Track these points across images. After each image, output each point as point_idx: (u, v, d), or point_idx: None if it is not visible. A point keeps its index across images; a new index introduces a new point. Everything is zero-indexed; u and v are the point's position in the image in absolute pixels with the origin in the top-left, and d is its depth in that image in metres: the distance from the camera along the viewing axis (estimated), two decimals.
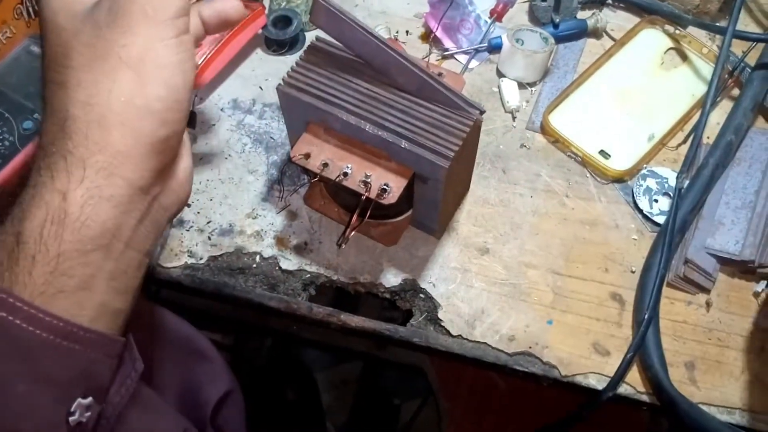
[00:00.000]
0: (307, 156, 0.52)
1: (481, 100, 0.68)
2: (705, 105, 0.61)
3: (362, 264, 0.59)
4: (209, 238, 0.61)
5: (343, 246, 0.53)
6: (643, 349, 0.53)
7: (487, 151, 0.65)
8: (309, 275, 0.59)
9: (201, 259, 0.60)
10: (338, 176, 0.50)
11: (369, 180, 0.50)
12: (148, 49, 0.36)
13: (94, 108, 0.35)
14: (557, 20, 0.70)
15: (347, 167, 0.51)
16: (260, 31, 0.70)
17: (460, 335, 0.56)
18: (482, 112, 0.50)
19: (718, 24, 0.69)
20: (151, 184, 0.37)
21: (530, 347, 0.55)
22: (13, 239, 0.33)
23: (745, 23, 0.74)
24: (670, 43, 0.71)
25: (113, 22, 0.36)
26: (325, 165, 0.51)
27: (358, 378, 1.21)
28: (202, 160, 0.65)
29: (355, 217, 0.50)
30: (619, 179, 0.62)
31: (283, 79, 0.52)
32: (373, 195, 0.50)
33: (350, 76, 0.51)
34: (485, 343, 0.55)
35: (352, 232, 0.50)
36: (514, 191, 0.63)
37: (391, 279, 0.58)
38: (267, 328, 1.19)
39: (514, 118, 0.67)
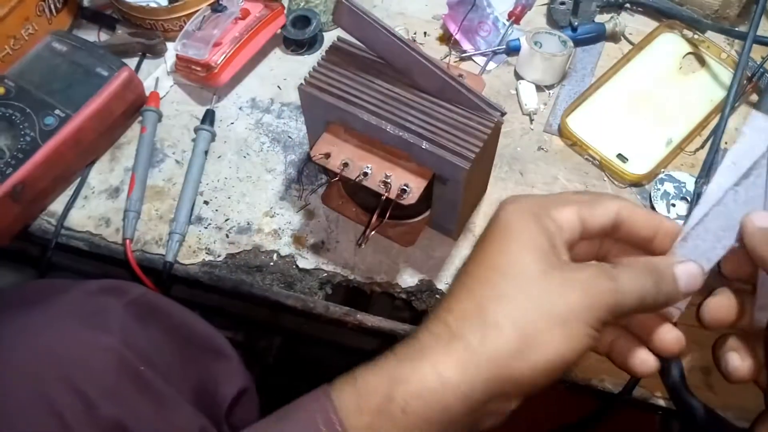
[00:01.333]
0: (328, 155, 0.52)
1: (499, 102, 0.68)
2: (724, 110, 0.61)
3: (379, 264, 0.59)
4: (227, 236, 0.61)
5: (363, 245, 0.54)
6: None
7: (505, 153, 0.65)
8: (326, 274, 0.59)
9: (219, 256, 0.60)
10: (358, 176, 0.51)
11: (389, 180, 0.50)
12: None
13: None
14: (575, 23, 0.70)
15: (367, 167, 0.51)
16: (279, 30, 0.70)
17: None
18: (503, 114, 0.50)
19: (737, 29, 0.69)
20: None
21: None
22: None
23: (765, 28, 0.73)
24: (688, 48, 0.71)
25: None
26: (345, 165, 0.51)
27: None
28: (220, 158, 0.65)
29: (375, 217, 0.51)
30: (637, 183, 0.62)
31: (304, 79, 0.52)
32: (393, 195, 0.50)
33: (371, 77, 0.52)
34: None
35: (372, 232, 0.50)
36: (532, 193, 0.63)
37: (408, 279, 0.58)
38: (277, 327, 1.19)
39: (531, 120, 0.67)
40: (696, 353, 0.55)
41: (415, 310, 0.59)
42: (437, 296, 0.58)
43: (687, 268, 0.37)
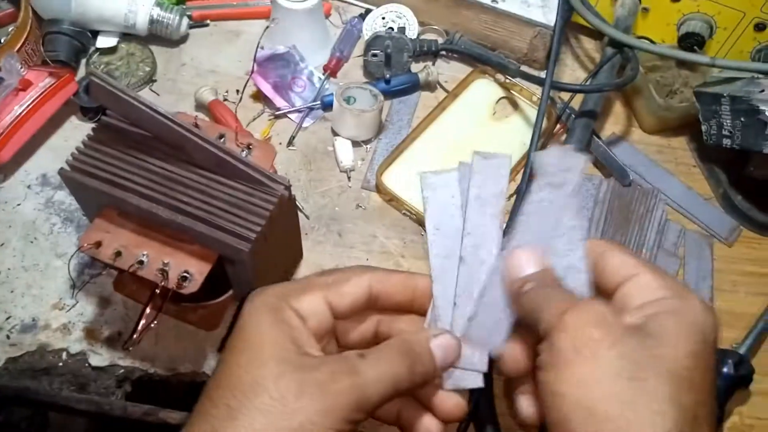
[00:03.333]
0: (99, 244, 0.47)
1: (317, 160, 0.66)
2: (528, 156, 0.62)
3: (183, 352, 0.54)
4: (8, 337, 0.54)
5: (131, 349, 0.49)
6: None
7: (323, 214, 0.63)
8: (123, 370, 0.53)
9: None
10: (132, 266, 0.46)
11: (167, 268, 0.46)
12: None
13: None
14: (388, 75, 0.69)
15: (143, 255, 0.46)
16: (73, 97, 0.65)
17: None
18: (288, 187, 0.47)
19: (541, 74, 0.71)
20: None
21: None
22: None
23: (573, 68, 0.76)
24: (501, 93, 0.71)
25: None
26: (118, 254, 0.46)
27: None
28: (3, 245, 0.58)
29: (146, 312, 0.46)
30: None
31: (67, 161, 0.47)
32: (171, 284, 0.45)
33: (144, 155, 0.47)
34: None
35: (144, 332, 0.46)
36: (350, 255, 0.61)
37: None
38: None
39: (349, 177, 0.65)
40: None
41: None
42: None
43: (442, 342, 0.35)
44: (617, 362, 0.29)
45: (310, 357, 0.33)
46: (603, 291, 0.34)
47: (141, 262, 0.46)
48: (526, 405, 0.35)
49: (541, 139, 0.67)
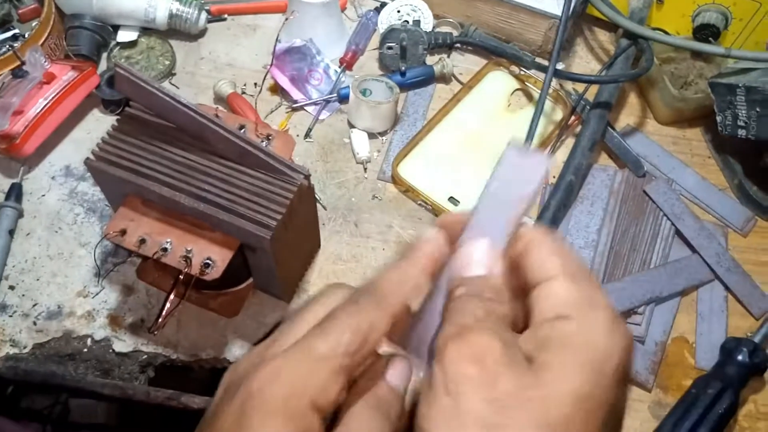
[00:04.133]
0: (123, 232, 0.48)
1: (333, 152, 0.67)
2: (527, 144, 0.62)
3: (204, 339, 0.55)
4: (35, 323, 0.55)
5: (156, 333, 0.50)
6: None
7: (339, 205, 0.63)
8: (146, 356, 0.54)
9: (25, 348, 0.54)
10: (156, 253, 0.47)
11: (190, 255, 0.47)
12: None
13: None
14: (404, 68, 0.69)
15: (167, 242, 0.47)
16: (94, 91, 0.66)
17: None
18: (307, 177, 0.48)
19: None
20: None
21: None
22: None
23: (587, 60, 0.76)
24: (516, 85, 0.72)
25: None
26: (143, 241, 0.47)
27: None
28: (29, 235, 0.60)
29: (170, 298, 0.47)
30: None
31: (92, 152, 0.48)
32: (194, 271, 0.47)
33: (166, 145, 0.48)
34: None
35: (169, 316, 0.47)
36: (367, 245, 0.61)
37: (237, 352, 0.55)
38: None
39: (365, 169, 0.66)
40: None
41: None
42: None
43: (398, 371, 0.31)
44: (480, 406, 0.26)
45: None
46: (523, 287, 0.31)
47: (165, 249, 0.47)
48: None
49: (557, 130, 0.68)
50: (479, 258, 0.31)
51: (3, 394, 0.78)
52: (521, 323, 0.31)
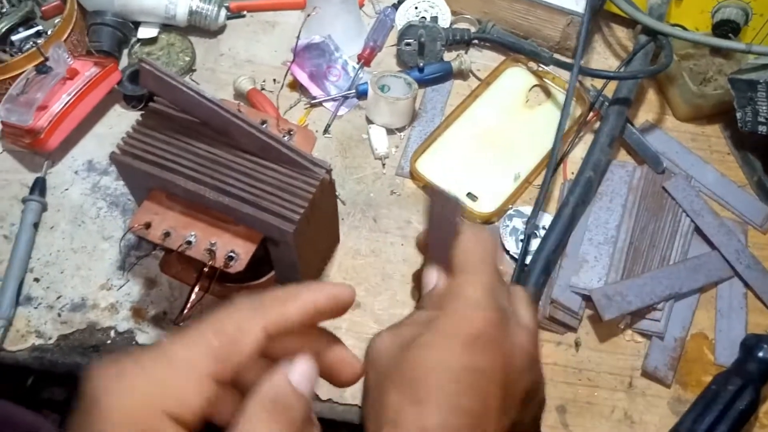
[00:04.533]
0: (148, 225, 0.48)
1: (351, 148, 0.67)
2: (555, 144, 0.62)
3: None
4: (59, 315, 0.56)
5: (182, 324, 0.50)
6: None
7: (358, 200, 0.64)
8: None
9: (50, 339, 0.55)
10: (181, 246, 0.48)
11: (214, 248, 0.48)
12: None
13: None
14: (422, 64, 0.70)
15: (191, 235, 0.48)
16: (116, 86, 0.67)
17: (330, 399, 0.54)
18: (329, 171, 0.48)
19: (572, 63, 0.71)
20: None
21: None
22: None
23: (605, 56, 0.76)
24: (534, 81, 0.72)
25: None
26: (167, 234, 0.48)
27: None
28: (53, 228, 0.60)
29: (195, 291, 0.47)
30: (488, 221, 0.62)
31: (117, 146, 0.49)
32: (218, 264, 0.47)
33: (190, 139, 0.49)
34: (356, 405, 0.53)
35: (193, 308, 0.47)
36: (386, 240, 0.62)
37: None
38: None
39: (383, 164, 0.66)
40: (551, 392, 0.55)
41: None
42: None
43: (301, 371, 0.29)
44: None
45: None
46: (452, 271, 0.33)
47: (189, 243, 0.48)
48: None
49: (575, 126, 0.68)
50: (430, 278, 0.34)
51: (23, 385, 0.79)
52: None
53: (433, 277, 0.34)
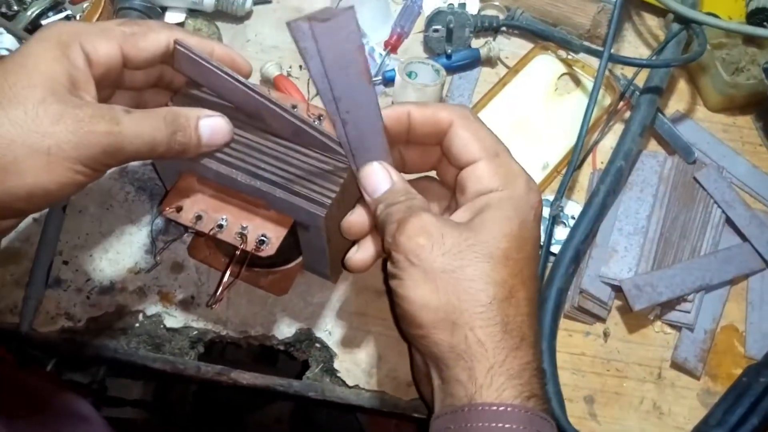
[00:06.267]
0: (179, 209, 0.48)
1: None
2: (581, 132, 0.61)
3: (253, 316, 0.56)
4: (88, 298, 0.57)
5: (214, 307, 0.50)
6: None
7: None
8: (196, 332, 0.55)
9: (80, 321, 0.56)
10: (212, 229, 0.48)
11: (246, 232, 0.48)
12: None
13: None
14: (449, 51, 0.69)
15: (223, 219, 0.48)
16: None
17: (356, 385, 0.54)
18: None
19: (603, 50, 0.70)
20: None
21: None
22: None
23: (635, 45, 0.75)
24: (563, 69, 0.71)
25: None
26: (199, 218, 0.48)
27: (290, 417, 1.17)
28: (81, 212, 0.61)
29: (227, 273, 0.48)
30: None
31: None
32: (250, 247, 0.47)
33: None
34: (383, 391, 0.53)
35: (225, 291, 0.47)
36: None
37: (285, 330, 0.55)
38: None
39: None
40: (579, 383, 0.54)
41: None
42: (317, 345, 0.55)
43: (211, 123, 0.42)
44: (441, 259, 0.36)
45: (80, 99, 0.36)
46: (451, 163, 0.43)
47: (220, 226, 0.48)
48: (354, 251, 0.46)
49: (605, 115, 0.67)
50: (378, 179, 0.42)
51: (44, 368, 0.80)
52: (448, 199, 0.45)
53: (380, 177, 0.42)
